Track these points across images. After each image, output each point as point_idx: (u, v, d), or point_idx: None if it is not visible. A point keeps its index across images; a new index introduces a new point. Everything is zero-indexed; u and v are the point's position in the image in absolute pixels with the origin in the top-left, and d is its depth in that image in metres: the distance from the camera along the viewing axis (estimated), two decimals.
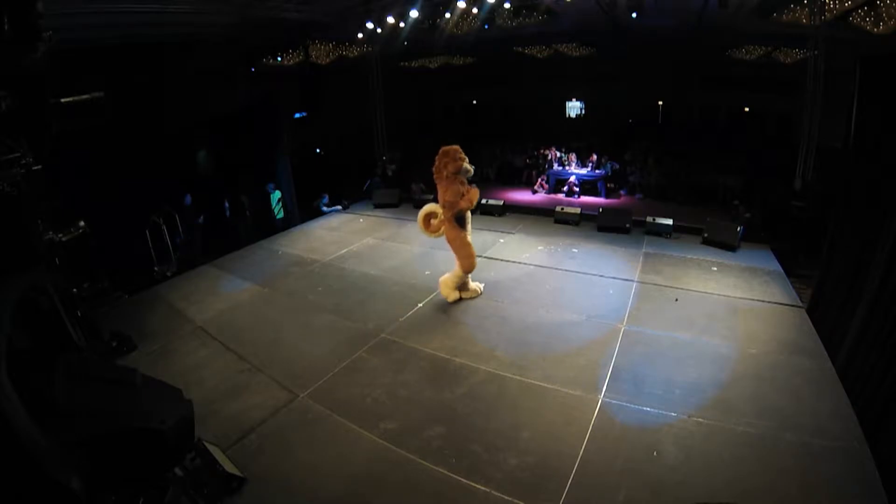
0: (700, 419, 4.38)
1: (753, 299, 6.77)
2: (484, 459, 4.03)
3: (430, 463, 4.02)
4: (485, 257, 8.71)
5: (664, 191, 12.38)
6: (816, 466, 3.79)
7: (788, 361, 5.24)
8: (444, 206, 6.85)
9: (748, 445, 4.04)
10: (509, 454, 4.06)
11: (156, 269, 8.87)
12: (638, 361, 5.31)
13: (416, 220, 7.23)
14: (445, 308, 6.74)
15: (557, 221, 10.77)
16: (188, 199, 10.48)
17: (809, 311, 6.30)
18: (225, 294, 7.60)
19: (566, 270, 8.01)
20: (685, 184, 12.26)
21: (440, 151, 6.79)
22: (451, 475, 3.88)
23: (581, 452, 4.04)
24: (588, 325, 6.16)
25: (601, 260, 8.42)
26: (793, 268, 8.00)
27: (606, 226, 10.15)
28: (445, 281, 6.99)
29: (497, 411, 4.62)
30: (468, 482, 3.81)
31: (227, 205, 11.44)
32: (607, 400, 4.70)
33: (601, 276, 7.71)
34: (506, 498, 3.66)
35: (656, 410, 4.52)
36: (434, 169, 6.82)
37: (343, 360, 5.56)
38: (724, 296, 6.89)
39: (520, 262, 8.40)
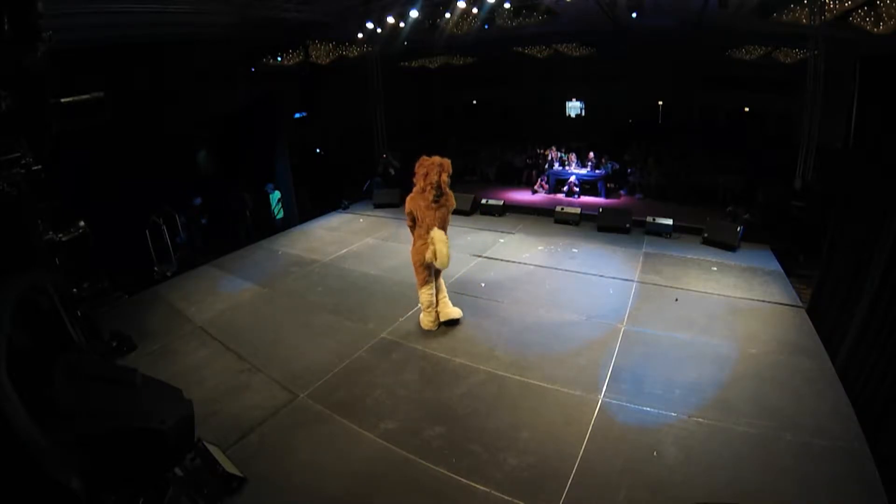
0: (700, 419, 4.38)
1: (753, 299, 6.77)
2: (484, 459, 4.03)
3: (430, 463, 4.02)
4: (485, 257, 8.71)
5: (664, 191, 12.38)
6: (816, 466, 3.79)
7: (788, 361, 5.24)
8: (445, 219, 6.02)
9: (748, 445, 4.04)
10: (509, 454, 4.07)
11: (156, 269, 8.87)
12: (638, 361, 5.31)
13: None
14: None
15: (557, 221, 10.77)
16: (198, 200, 10.52)
17: (809, 311, 6.30)
18: (225, 294, 7.60)
19: (566, 270, 8.01)
20: (685, 184, 12.26)
21: (438, 163, 5.87)
22: (452, 475, 3.88)
23: (581, 452, 4.04)
24: (588, 325, 6.16)
25: (601, 260, 8.43)
26: (793, 268, 8.00)
27: (606, 226, 10.15)
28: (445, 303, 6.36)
29: (497, 411, 4.62)
30: (468, 482, 3.81)
31: (246, 200, 11.39)
32: (607, 400, 4.70)
33: (601, 276, 7.71)
34: (506, 498, 3.66)
35: (656, 410, 4.52)
36: (441, 181, 5.83)
37: (343, 360, 5.56)
38: (724, 296, 6.89)
39: (520, 262, 8.40)
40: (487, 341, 5.85)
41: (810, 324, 6.02)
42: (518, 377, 5.11)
